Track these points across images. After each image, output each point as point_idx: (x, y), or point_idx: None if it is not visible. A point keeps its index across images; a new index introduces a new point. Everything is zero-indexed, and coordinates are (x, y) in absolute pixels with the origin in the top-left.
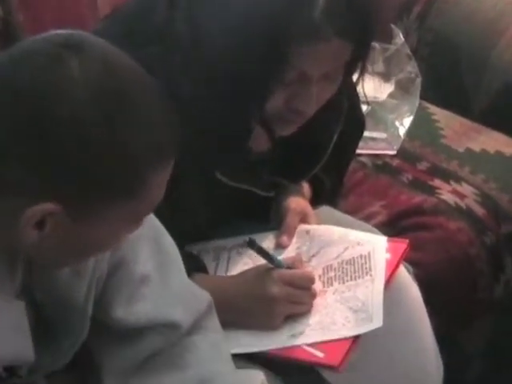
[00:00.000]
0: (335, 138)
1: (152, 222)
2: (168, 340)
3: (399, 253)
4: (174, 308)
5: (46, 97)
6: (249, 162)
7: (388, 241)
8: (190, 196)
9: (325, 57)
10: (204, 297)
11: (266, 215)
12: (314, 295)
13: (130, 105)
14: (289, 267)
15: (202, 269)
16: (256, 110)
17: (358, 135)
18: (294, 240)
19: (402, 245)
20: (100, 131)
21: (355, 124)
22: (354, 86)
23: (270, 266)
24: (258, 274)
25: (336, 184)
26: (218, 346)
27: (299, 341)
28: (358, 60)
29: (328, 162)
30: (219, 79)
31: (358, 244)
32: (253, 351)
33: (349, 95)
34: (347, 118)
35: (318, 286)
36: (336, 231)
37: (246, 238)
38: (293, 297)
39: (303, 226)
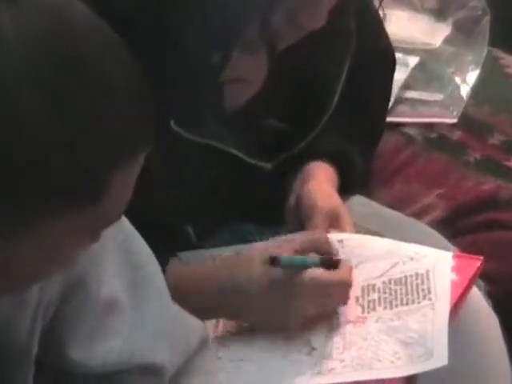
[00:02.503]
0: (344, 75)
1: (119, 222)
2: None
3: (470, 273)
4: (154, 345)
5: None
6: (224, 112)
7: (454, 257)
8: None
9: None
10: (196, 327)
11: (278, 215)
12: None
13: (85, 72)
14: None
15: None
16: (241, 25)
17: (387, 75)
18: None
19: (475, 262)
20: (39, 110)
21: (380, 59)
22: (373, 7)
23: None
24: (286, 286)
25: (368, 158)
26: None
27: (327, 380)
28: None
29: (351, 126)
30: None
31: (412, 259)
32: None
33: (368, 21)
34: (368, 52)
35: (355, 311)
36: (381, 243)
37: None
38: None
39: (335, 234)
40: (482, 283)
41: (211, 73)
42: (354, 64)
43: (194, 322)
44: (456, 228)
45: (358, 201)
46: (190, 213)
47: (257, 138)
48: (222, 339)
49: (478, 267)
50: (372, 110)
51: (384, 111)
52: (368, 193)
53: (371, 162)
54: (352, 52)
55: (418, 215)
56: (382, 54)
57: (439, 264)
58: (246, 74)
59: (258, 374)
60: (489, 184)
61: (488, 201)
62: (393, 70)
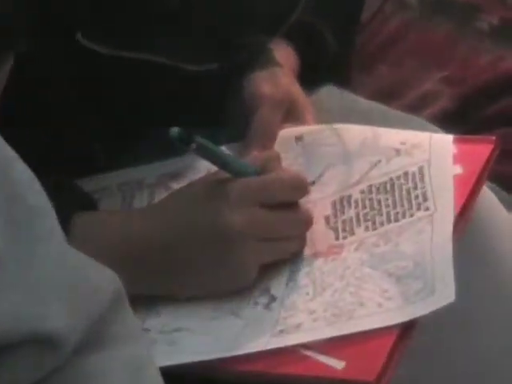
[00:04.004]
0: None
1: None
2: (42, 365)
3: (480, 162)
4: (47, 307)
5: None
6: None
7: (456, 141)
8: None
9: None
10: (106, 278)
11: (215, 119)
12: (308, 220)
13: None
14: (258, 173)
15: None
16: None
17: None
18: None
19: (486, 147)
20: None
21: None
22: None
23: (225, 175)
24: (202, 191)
25: (347, 39)
26: (137, 369)
27: (292, 340)
28: None
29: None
30: None
31: (398, 152)
32: (209, 359)
33: None
34: None
35: (326, 237)
36: (355, 132)
37: (174, 129)
38: (271, 227)
39: (290, 130)
40: (504, 193)
41: None
42: None
43: (101, 271)
44: (466, 122)
45: (330, 92)
46: (98, 129)
47: (198, 38)
48: (149, 304)
49: (491, 153)
50: None
51: None
52: (343, 81)
53: (349, 47)
54: None
55: (414, 108)
56: None
57: (436, 154)
58: None
59: (200, 345)
60: (510, 59)
61: (508, 82)
62: None
